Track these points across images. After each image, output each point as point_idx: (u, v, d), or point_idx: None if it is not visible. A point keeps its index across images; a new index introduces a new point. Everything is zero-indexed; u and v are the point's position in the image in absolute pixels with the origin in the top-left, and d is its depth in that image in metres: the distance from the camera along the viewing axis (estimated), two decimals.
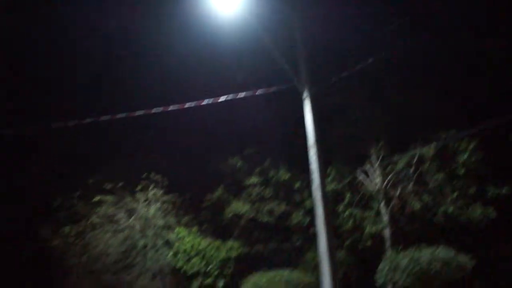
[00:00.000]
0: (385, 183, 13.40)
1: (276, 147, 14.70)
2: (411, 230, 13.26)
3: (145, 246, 14.54)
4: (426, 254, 10.95)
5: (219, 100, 9.83)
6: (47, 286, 19.94)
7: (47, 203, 16.36)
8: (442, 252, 11.03)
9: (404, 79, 12.96)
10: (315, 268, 11.07)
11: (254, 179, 14.68)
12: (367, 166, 13.78)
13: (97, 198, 14.78)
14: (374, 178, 13.61)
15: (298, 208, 14.35)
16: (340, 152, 13.53)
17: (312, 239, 11.70)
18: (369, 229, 13.04)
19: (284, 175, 14.58)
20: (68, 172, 17.61)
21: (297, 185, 14.41)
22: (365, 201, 13.75)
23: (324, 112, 10.38)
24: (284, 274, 12.53)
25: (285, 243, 14.74)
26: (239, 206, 14.40)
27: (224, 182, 15.16)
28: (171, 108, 9.87)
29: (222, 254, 14.17)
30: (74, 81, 18.18)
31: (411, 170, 13.20)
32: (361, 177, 13.84)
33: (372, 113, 13.39)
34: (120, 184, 14.96)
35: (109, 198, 14.86)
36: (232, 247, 14.42)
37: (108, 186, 14.86)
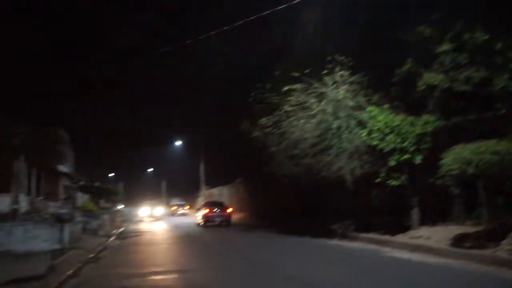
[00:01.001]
0: None
1: (468, 6, 12.92)
2: None
3: (339, 128, 14.86)
4: None
5: None
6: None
7: (244, 99, 17.82)
8: None
9: None
10: None
11: (446, 46, 13.18)
12: None
13: (286, 88, 15.42)
14: None
15: (501, 72, 12.70)
16: None
17: None
18: None
19: (481, 36, 12.82)
20: (256, 66, 18.65)
21: (498, 46, 12.59)
22: None
23: None
24: (490, 144, 11.60)
25: (487, 112, 13.43)
26: (432, 77, 13.22)
27: (413, 54, 14.05)
28: None
29: (417, 129, 13.62)
30: None
31: None
32: None
33: None
34: (307, 71, 15.26)
35: (297, 86, 15.36)
36: (427, 121, 13.70)
37: (295, 74, 15.30)
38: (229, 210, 28.80)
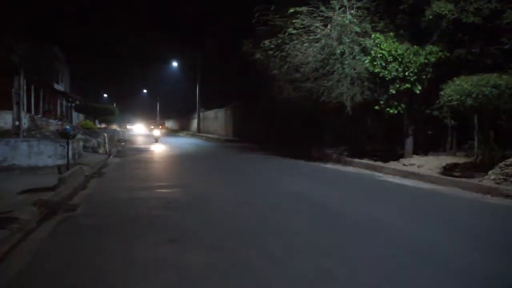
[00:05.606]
0: None
1: None
2: None
3: (342, 54, 14.81)
4: None
5: None
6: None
7: (246, 20, 17.48)
8: None
9: None
10: None
11: None
12: None
13: (292, 10, 15.12)
14: None
15: None
16: None
17: None
18: None
19: None
20: None
21: None
22: None
23: None
24: (491, 78, 11.66)
25: (493, 46, 13.42)
26: (441, 6, 13.02)
27: None
28: None
29: (421, 59, 13.66)
30: None
31: None
32: None
33: None
34: None
35: (303, 8, 15.07)
36: (431, 52, 13.74)
37: None
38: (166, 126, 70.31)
